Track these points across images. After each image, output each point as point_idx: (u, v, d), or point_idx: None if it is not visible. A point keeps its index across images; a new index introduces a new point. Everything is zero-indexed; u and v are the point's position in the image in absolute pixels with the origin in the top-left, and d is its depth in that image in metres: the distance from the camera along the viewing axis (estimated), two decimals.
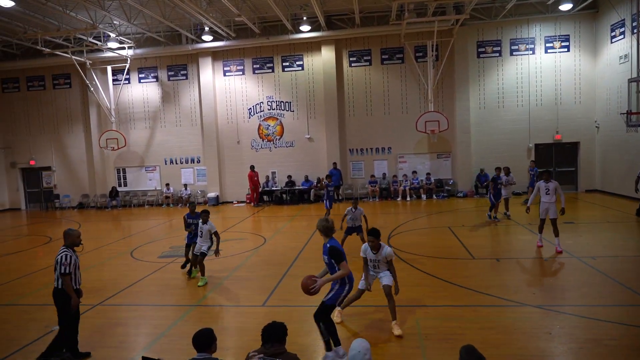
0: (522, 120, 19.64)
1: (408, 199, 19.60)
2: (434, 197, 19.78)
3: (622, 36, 16.91)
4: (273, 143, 21.36)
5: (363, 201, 19.73)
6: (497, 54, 19.70)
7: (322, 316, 5.32)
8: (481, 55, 19.81)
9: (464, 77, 19.61)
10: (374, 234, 6.15)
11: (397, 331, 6.09)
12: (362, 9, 18.41)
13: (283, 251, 11.26)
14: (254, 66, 21.15)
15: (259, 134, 21.42)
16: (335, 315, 6.56)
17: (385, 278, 6.34)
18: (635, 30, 14.58)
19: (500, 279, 8.35)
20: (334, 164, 19.90)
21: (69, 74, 22.46)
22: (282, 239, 12.98)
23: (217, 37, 20.12)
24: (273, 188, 20.87)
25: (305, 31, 19.63)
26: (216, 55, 21.26)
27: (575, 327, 6.11)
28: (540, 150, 19.84)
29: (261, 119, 21.36)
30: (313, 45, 20.55)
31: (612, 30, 17.59)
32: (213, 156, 21.50)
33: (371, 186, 20.10)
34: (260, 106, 21.31)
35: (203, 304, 7.78)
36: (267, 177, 21.15)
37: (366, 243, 6.32)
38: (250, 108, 21.37)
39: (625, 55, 16.47)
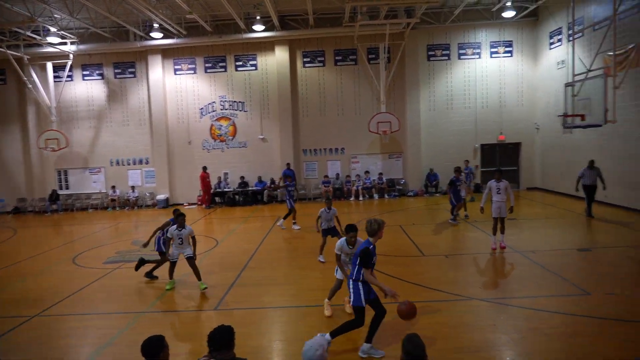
0: (469, 121, 20.44)
1: (361, 198, 19.88)
2: (386, 196, 20.17)
3: (559, 43, 17.98)
4: (226, 143, 21.00)
5: (316, 202, 19.81)
6: (446, 58, 20.38)
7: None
8: (431, 59, 20.42)
9: (415, 79, 20.15)
10: (354, 229, 6.26)
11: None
12: (315, 10, 18.48)
13: (236, 253, 11.08)
14: (206, 65, 20.71)
15: (211, 134, 20.99)
16: (326, 309, 6.82)
17: None
18: (571, 38, 15.55)
19: (449, 275, 8.63)
20: (288, 164, 19.82)
21: (4, 70, 21.00)
22: (235, 240, 12.77)
23: (167, 34, 19.49)
24: (225, 189, 20.51)
25: (259, 31, 19.44)
26: (166, 53, 20.62)
27: (517, 317, 6.42)
28: (485, 151, 20.72)
29: (213, 119, 20.94)
30: (267, 45, 20.40)
31: (551, 37, 18.67)
32: (162, 157, 20.83)
33: (324, 186, 20.21)
34: (213, 106, 20.89)
35: (152, 310, 7.51)
36: (219, 178, 20.75)
37: (343, 238, 6.39)
38: (202, 108, 20.90)
39: (562, 61, 17.52)
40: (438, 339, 5.81)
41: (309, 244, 11.47)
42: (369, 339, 5.51)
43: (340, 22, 19.03)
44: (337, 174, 20.71)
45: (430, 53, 20.39)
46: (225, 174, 20.94)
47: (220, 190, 20.48)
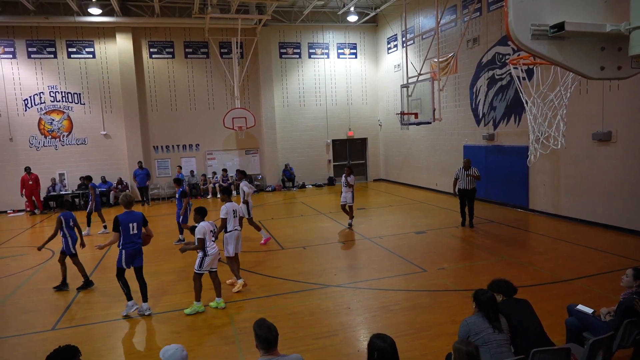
0: (321, 118, 21.52)
1: (218, 195, 19.43)
2: None
3: (395, 48, 20.03)
4: (60, 140, 18.46)
5: (171, 201, 18.75)
6: (297, 56, 21.08)
7: (118, 276, 6.75)
8: (283, 56, 20.90)
9: (268, 75, 20.39)
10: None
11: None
12: None
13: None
14: (29, 49, 17.85)
15: (39, 129, 18.22)
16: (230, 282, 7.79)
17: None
18: (404, 44, 17.43)
19: (306, 265, 8.98)
20: (140, 163, 18.34)
21: None
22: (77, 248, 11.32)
23: None
24: (62, 192, 18.04)
25: (95, 15, 17.48)
26: None
27: (368, 299, 7.00)
28: (336, 146, 22.08)
29: (42, 112, 18.20)
30: (106, 32, 18.46)
31: (388, 42, 20.68)
32: None
33: None
34: (41, 97, 18.14)
35: None
36: (53, 179, 18.17)
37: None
38: (27, 99, 17.99)
39: (398, 65, 19.56)
40: (298, 327, 6.01)
41: (163, 244, 10.82)
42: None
43: (189, 12, 18.23)
44: (192, 171, 19.90)
45: (282, 51, 20.86)
46: (61, 174, 18.43)
47: (55, 193, 17.94)
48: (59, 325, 6.56)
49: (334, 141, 21.90)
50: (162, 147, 19.70)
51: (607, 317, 4.61)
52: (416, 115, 13.04)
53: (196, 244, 6.63)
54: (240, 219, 8.03)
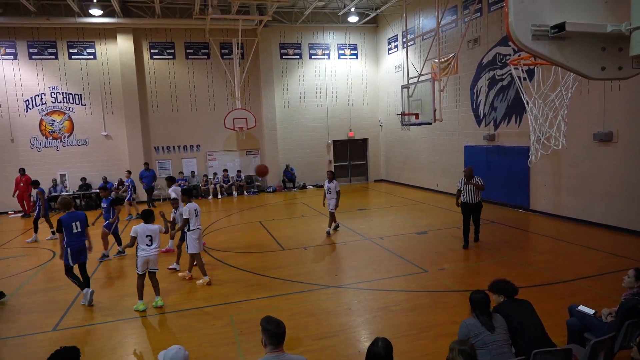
0: (322, 118, 21.51)
1: (219, 196, 19.45)
2: (245, 193, 20.11)
3: (396, 49, 20.03)
4: (61, 141, 18.47)
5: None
6: (298, 57, 21.08)
7: (67, 273, 7.32)
8: (284, 57, 20.90)
9: (269, 76, 20.40)
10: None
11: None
12: None
13: None
14: (30, 50, 17.87)
15: (41, 130, 18.24)
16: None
17: None
18: (405, 45, 17.44)
19: (307, 266, 8.98)
20: (146, 164, 18.29)
21: None
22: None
23: None
24: (63, 193, 18.05)
25: (97, 15, 17.50)
26: None
27: (369, 299, 7.00)
28: (337, 146, 22.07)
29: (43, 113, 18.22)
30: (107, 32, 18.47)
31: (389, 43, 20.68)
32: None
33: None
34: (42, 98, 18.16)
35: None
36: (54, 180, 18.19)
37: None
38: (28, 100, 18.01)
39: (399, 65, 19.55)
40: (298, 328, 6.01)
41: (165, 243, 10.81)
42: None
43: (190, 13, 18.23)
44: (193, 172, 19.91)
45: (283, 51, 20.87)
46: (62, 175, 18.44)
47: (56, 194, 17.92)
48: (60, 326, 6.56)
49: (334, 142, 21.90)
50: (163, 147, 19.70)
51: (608, 317, 4.60)
52: (417, 115, 13.04)
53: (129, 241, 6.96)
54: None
